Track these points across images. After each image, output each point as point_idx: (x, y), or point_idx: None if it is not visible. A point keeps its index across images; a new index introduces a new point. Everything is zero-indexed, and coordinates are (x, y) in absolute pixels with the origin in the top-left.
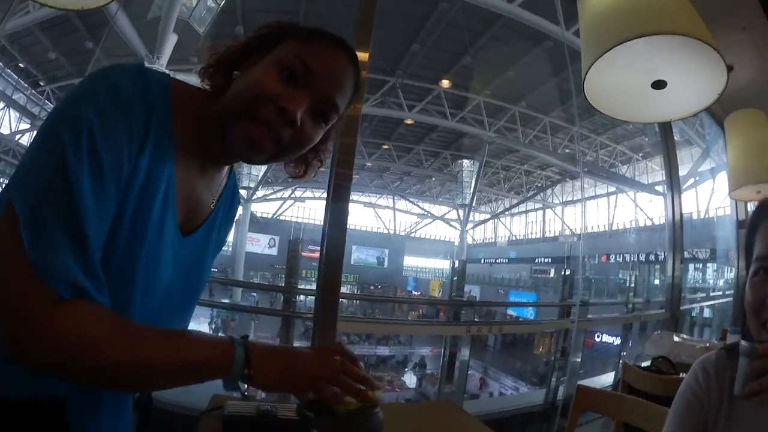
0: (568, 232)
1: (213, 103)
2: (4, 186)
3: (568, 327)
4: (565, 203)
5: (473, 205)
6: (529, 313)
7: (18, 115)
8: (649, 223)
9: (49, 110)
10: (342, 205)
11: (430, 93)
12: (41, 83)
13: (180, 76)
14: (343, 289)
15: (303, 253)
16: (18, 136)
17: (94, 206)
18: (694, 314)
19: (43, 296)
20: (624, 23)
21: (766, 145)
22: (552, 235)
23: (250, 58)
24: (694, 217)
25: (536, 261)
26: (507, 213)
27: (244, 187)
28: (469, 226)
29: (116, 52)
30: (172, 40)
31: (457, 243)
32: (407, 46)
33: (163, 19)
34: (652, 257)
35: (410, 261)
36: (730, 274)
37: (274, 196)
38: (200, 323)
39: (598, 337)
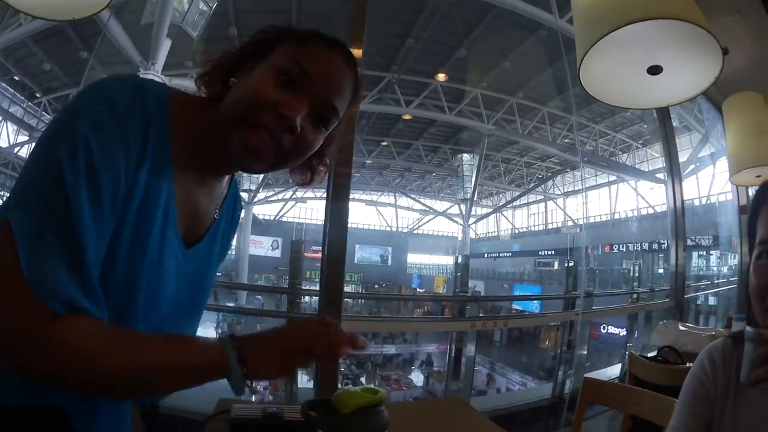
0: (570, 223)
1: (212, 111)
2: (2, 201)
3: (573, 319)
4: (566, 194)
5: (475, 199)
6: (534, 306)
7: (16, 127)
8: (650, 211)
9: (47, 122)
10: (342, 204)
11: (427, 87)
12: (37, 95)
13: (176, 81)
14: (348, 289)
15: (306, 254)
16: (17, 149)
17: (91, 223)
18: (699, 302)
19: (41, 312)
20: (617, 9)
21: (764, 128)
22: (555, 226)
23: (246, 64)
24: (696, 203)
25: (540, 254)
26: (509, 206)
27: (245, 190)
28: (472, 220)
29: (111, 60)
30: (166, 45)
31: (460, 238)
32: (402, 40)
33: (156, 24)
34: (655, 246)
35: (414, 258)
36: (733, 260)
37: (275, 198)
38: (206, 327)
39: (603, 328)
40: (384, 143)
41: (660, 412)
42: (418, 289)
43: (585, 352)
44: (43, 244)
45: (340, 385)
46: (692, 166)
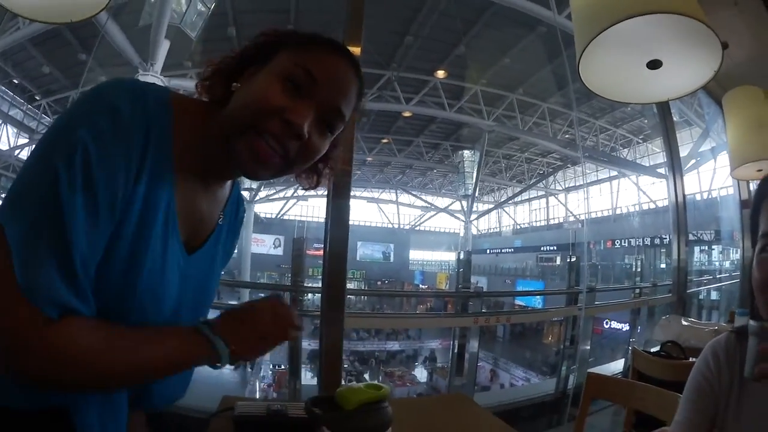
0: (572, 218)
1: (214, 116)
2: None
3: (576, 314)
4: (567, 189)
5: (476, 195)
6: (537, 302)
7: (15, 130)
8: (652, 206)
9: (47, 124)
10: (343, 202)
11: (427, 84)
12: (37, 97)
13: (175, 82)
14: (350, 286)
15: (308, 252)
16: (17, 151)
17: (84, 230)
18: (701, 297)
19: (34, 317)
20: (615, 4)
21: (765, 122)
22: (556, 222)
23: (248, 68)
24: (697, 198)
25: (542, 249)
26: (510, 202)
27: (246, 189)
28: (473, 216)
29: (110, 62)
30: (164, 46)
31: (461, 234)
32: (401, 38)
33: (154, 26)
34: (657, 241)
35: (416, 254)
36: (735, 255)
37: (276, 196)
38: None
39: (606, 324)
40: (384, 140)
41: (663, 407)
42: (420, 286)
43: (588, 348)
44: (35, 250)
45: (343, 382)
46: (693, 161)
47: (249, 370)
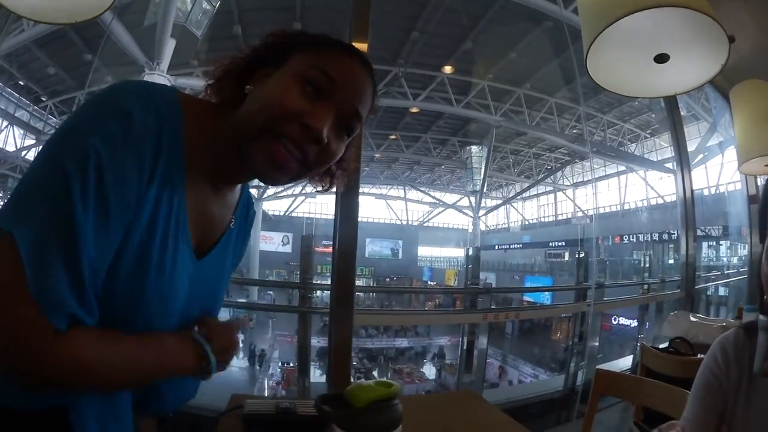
0: (580, 214)
1: (226, 119)
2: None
3: (585, 310)
4: (575, 185)
5: (484, 191)
6: (546, 298)
7: (22, 131)
8: (660, 201)
9: (54, 125)
10: (351, 199)
11: (434, 80)
12: (43, 98)
13: (181, 81)
14: (359, 282)
15: (317, 249)
16: (24, 152)
17: (94, 242)
18: (709, 293)
19: (44, 328)
20: None
21: None
22: (565, 217)
23: (260, 70)
24: (705, 193)
25: (550, 245)
26: (518, 197)
27: (254, 186)
28: (482, 212)
29: (115, 62)
30: (170, 45)
31: (470, 230)
32: (407, 34)
33: (160, 25)
34: (665, 236)
35: (424, 251)
36: (743, 251)
37: (284, 193)
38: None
39: (615, 320)
40: (392, 137)
41: (672, 403)
42: (429, 282)
43: (597, 344)
44: (46, 259)
45: (352, 380)
46: (701, 156)
47: (258, 367)
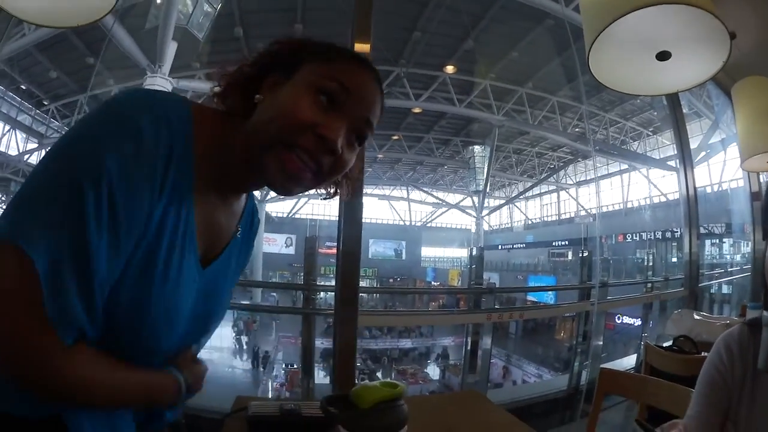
0: (583, 213)
1: (235, 128)
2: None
3: (589, 309)
4: (578, 183)
5: (487, 191)
6: (549, 297)
7: (24, 135)
8: (663, 199)
9: (56, 128)
10: (355, 200)
11: (436, 80)
12: (45, 102)
13: (183, 83)
14: (362, 283)
15: (320, 250)
16: (26, 156)
17: (107, 257)
18: (712, 291)
19: (54, 343)
20: None
21: None
22: (568, 216)
23: (269, 78)
24: (708, 190)
25: (553, 244)
26: (521, 197)
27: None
28: (485, 212)
29: (117, 65)
30: (172, 48)
31: (473, 230)
32: (409, 34)
33: (161, 28)
34: (668, 234)
35: (428, 251)
36: (746, 248)
37: None
38: (222, 326)
39: (618, 319)
40: (395, 137)
41: (676, 401)
42: (432, 283)
43: (601, 343)
44: (61, 278)
45: (357, 381)
46: (703, 153)
47: (261, 369)
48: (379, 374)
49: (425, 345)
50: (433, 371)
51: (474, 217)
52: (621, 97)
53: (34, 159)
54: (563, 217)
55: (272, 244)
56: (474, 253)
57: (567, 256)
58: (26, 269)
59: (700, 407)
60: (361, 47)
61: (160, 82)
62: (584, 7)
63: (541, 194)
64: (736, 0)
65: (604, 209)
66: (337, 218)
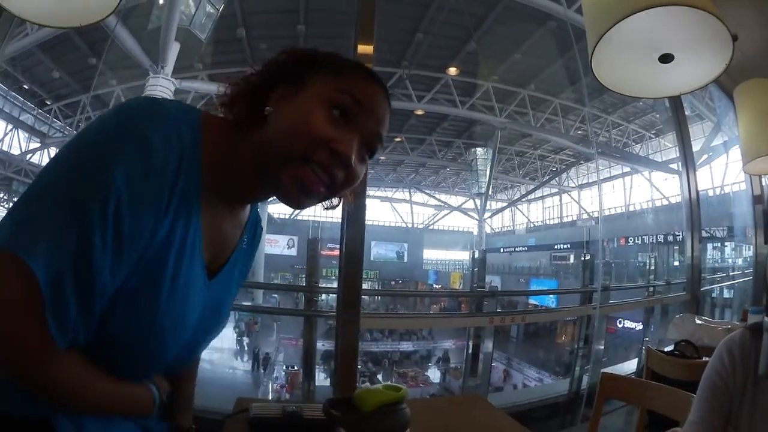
0: (585, 216)
1: (244, 139)
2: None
3: (591, 313)
4: (581, 186)
5: (489, 193)
6: (551, 301)
7: (27, 135)
8: (665, 202)
9: (58, 128)
10: (358, 202)
11: (438, 82)
12: (47, 102)
13: (186, 84)
14: (364, 286)
15: (322, 252)
16: (28, 156)
17: (109, 270)
18: (714, 295)
19: (51, 349)
20: None
21: None
22: (570, 219)
23: (277, 90)
24: (710, 194)
25: (555, 247)
26: (524, 200)
27: None
28: (487, 215)
29: (120, 65)
30: (174, 48)
31: (475, 233)
32: (411, 35)
33: (164, 28)
34: (670, 238)
35: (430, 254)
36: (748, 252)
37: None
38: (225, 327)
39: (620, 323)
40: (397, 139)
41: (677, 406)
42: (434, 285)
43: (602, 347)
44: (62, 288)
45: (357, 383)
46: (705, 156)
47: (262, 371)
48: (379, 377)
49: (426, 348)
50: (434, 374)
51: (476, 219)
52: (623, 99)
53: (36, 158)
54: (565, 220)
55: (274, 245)
56: (476, 255)
57: (569, 260)
58: (27, 280)
59: (702, 412)
60: (365, 49)
61: (163, 82)
62: (587, 9)
63: (543, 197)
64: (738, 2)
65: (607, 212)
66: (340, 220)
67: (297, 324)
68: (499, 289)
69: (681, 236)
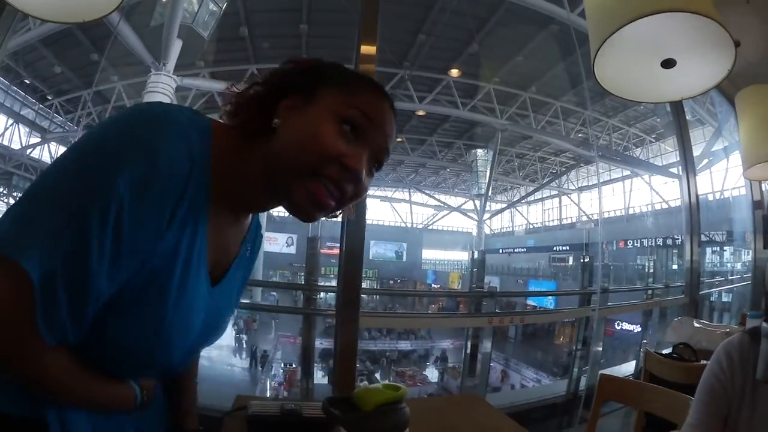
0: (585, 218)
1: (252, 149)
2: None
3: (590, 315)
4: (581, 189)
5: (489, 194)
6: (549, 302)
7: (28, 129)
8: (665, 206)
9: (59, 123)
10: (359, 201)
11: (440, 83)
12: (49, 97)
13: (187, 81)
14: (363, 285)
15: (321, 250)
16: (29, 150)
17: (104, 280)
18: (712, 299)
19: (39, 346)
20: (630, 2)
21: None
22: (569, 221)
23: (285, 101)
24: (710, 198)
25: (554, 249)
26: (523, 201)
27: None
28: (486, 216)
29: (122, 62)
30: (177, 46)
31: (474, 233)
32: (413, 36)
33: (167, 25)
34: (669, 241)
35: (429, 254)
36: (747, 256)
37: None
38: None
39: (618, 325)
40: (398, 139)
41: (675, 409)
42: (432, 285)
43: (600, 349)
44: (54, 292)
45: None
46: (706, 161)
47: (259, 368)
48: (377, 375)
49: (424, 347)
50: (432, 374)
51: (475, 220)
52: (624, 103)
53: (36, 153)
54: (565, 222)
55: (273, 243)
56: (476, 256)
57: (568, 261)
58: (16, 279)
59: (700, 415)
60: (368, 49)
61: (164, 79)
62: (590, 13)
63: (543, 199)
64: (741, 9)
65: (606, 215)
66: (340, 219)
67: (295, 322)
68: (498, 290)
69: (680, 240)
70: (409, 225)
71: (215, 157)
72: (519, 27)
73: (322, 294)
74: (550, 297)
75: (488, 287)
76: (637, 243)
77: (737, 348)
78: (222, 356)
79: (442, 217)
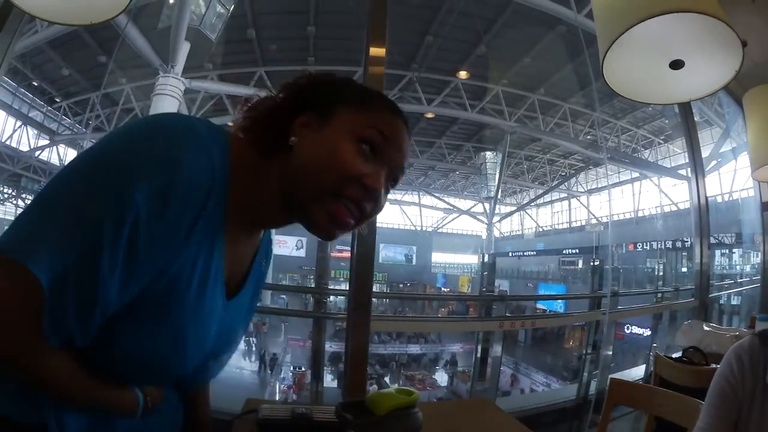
0: (594, 221)
1: (268, 165)
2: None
3: (600, 319)
4: (590, 191)
5: (498, 197)
6: (559, 306)
7: (36, 131)
8: (674, 208)
9: (67, 125)
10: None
11: (448, 85)
12: (57, 99)
13: (195, 83)
14: (373, 288)
15: (331, 254)
16: (37, 152)
17: (114, 291)
18: (722, 302)
19: (44, 349)
20: (638, 4)
21: None
22: (578, 224)
23: (299, 117)
24: (719, 200)
25: (564, 252)
26: (532, 204)
27: None
28: (496, 219)
29: (130, 64)
30: (184, 48)
31: (484, 237)
32: (421, 38)
33: (174, 28)
34: (678, 244)
35: (438, 257)
36: (756, 258)
37: None
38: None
39: (627, 329)
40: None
41: (685, 413)
42: (442, 289)
43: (610, 353)
44: (62, 297)
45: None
46: (714, 162)
47: (268, 372)
48: (387, 379)
49: (434, 351)
50: (441, 378)
51: (485, 223)
52: (632, 104)
53: (45, 155)
54: (574, 225)
55: (283, 246)
56: (486, 259)
57: (577, 265)
58: (22, 283)
59: (711, 419)
60: (377, 51)
61: (173, 82)
62: (598, 14)
63: (552, 201)
64: (748, 9)
65: (615, 218)
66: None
67: (304, 325)
68: (508, 294)
69: (689, 242)
70: (418, 228)
71: (233, 171)
72: (526, 28)
73: (332, 297)
74: (559, 300)
75: (498, 291)
76: (646, 246)
77: (747, 351)
78: (231, 359)
79: (452, 220)
